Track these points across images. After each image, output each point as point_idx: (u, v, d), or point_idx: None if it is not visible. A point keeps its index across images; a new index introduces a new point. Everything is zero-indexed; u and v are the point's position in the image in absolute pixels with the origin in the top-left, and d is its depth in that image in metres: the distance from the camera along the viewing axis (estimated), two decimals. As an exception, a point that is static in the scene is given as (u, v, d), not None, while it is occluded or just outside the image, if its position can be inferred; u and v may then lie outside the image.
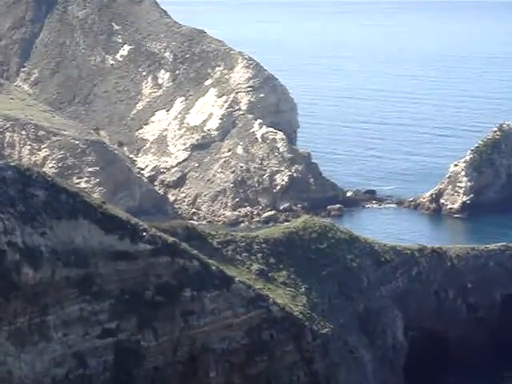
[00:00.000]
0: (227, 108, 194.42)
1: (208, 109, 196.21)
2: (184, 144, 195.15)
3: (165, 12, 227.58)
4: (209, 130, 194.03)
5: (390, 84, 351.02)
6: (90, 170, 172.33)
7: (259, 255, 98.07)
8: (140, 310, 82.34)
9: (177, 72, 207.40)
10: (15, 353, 75.22)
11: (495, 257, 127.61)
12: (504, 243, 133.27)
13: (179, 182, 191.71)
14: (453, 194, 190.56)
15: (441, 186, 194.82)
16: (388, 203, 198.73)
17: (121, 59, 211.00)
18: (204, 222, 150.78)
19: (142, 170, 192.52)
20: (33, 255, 76.33)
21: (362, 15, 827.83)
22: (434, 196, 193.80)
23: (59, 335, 77.81)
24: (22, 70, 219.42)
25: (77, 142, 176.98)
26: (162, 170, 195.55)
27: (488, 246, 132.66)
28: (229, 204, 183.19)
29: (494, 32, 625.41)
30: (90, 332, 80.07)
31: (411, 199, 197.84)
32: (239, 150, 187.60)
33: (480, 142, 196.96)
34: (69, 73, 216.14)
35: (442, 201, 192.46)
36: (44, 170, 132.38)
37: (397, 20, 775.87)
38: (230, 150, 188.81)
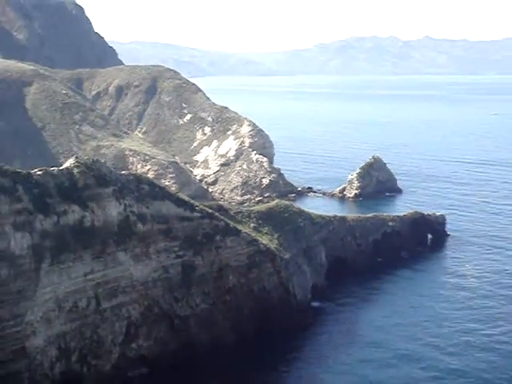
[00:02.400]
0: (238, 145, 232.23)
1: (229, 146, 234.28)
2: (216, 163, 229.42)
3: (207, 98, 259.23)
4: (229, 156, 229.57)
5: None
6: (170, 175, 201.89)
7: (254, 219, 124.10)
8: (194, 245, 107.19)
9: (214, 127, 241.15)
10: (133, 265, 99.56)
11: (370, 220, 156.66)
12: (374, 214, 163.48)
13: (214, 182, 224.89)
14: (350, 189, 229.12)
15: (344, 185, 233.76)
16: (318, 194, 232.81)
17: (186, 121, 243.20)
18: (226, 203, 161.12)
19: (196, 176, 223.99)
20: (143, 217, 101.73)
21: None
22: (341, 190, 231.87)
23: (155, 257, 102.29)
24: (138, 126, 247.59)
25: (164, 161, 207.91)
26: (205, 176, 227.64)
27: (366, 215, 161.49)
28: (238, 193, 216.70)
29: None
30: (170, 256, 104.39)
31: (330, 192, 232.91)
32: (244, 166, 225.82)
33: (363, 164, 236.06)
34: (160, 128, 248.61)
35: (345, 192, 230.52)
36: (148, 175, 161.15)
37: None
38: (239, 166, 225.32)
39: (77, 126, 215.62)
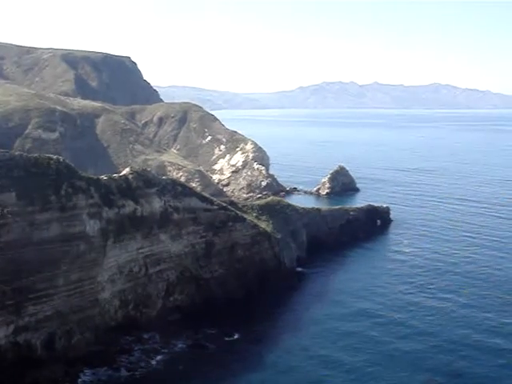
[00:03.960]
0: (244, 158, 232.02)
1: (237, 158, 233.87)
2: (229, 171, 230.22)
3: (222, 124, 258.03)
4: (237, 166, 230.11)
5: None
6: (196, 179, 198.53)
7: (255, 210, 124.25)
8: (212, 229, 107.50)
9: (227, 145, 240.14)
10: (170, 243, 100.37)
11: (337, 210, 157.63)
12: (340, 206, 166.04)
13: (227, 184, 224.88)
14: (323, 189, 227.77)
15: (319, 186, 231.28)
16: (301, 192, 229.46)
17: (207, 141, 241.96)
18: (235, 199, 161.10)
19: (214, 180, 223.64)
20: (177, 209, 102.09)
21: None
22: (317, 189, 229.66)
23: (185, 237, 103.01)
24: (174, 145, 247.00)
25: (192, 170, 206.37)
26: (221, 180, 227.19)
27: (335, 207, 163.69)
28: (244, 192, 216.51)
29: None
30: (196, 236, 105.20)
31: (309, 190, 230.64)
32: (249, 173, 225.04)
33: (332, 171, 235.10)
34: (189, 146, 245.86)
35: (319, 191, 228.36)
36: (181, 179, 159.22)
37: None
38: (245, 173, 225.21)
39: (131, 145, 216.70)
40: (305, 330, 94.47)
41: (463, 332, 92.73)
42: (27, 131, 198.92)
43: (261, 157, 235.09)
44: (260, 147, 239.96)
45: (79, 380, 74.86)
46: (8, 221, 76.86)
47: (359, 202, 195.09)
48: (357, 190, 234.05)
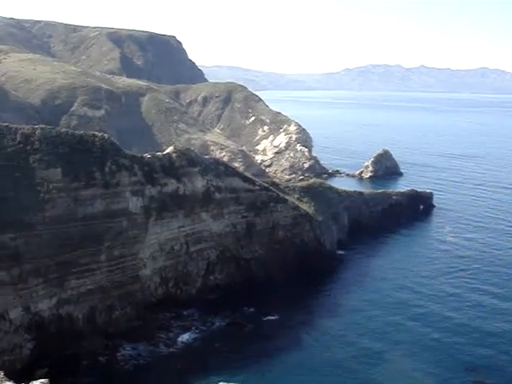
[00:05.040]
0: (287, 139, 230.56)
1: (280, 139, 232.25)
2: (272, 152, 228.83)
3: (266, 105, 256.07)
4: (280, 147, 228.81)
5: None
6: (239, 160, 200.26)
7: (297, 192, 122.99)
8: (255, 209, 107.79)
9: (270, 126, 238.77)
10: (212, 222, 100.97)
11: (380, 194, 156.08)
12: (383, 190, 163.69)
13: (270, 165, 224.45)
14: (366, 172, 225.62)
15: (362, 169, 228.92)
16: (343, 175, 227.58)
17: (251, 122, 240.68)
18: (277, 180, 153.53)
19: (257, 160, 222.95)
20: (219, 188, 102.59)
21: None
22: (359, 173, 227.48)
23: (227, 216, 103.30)
24: (217, 125, 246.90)
25: (235, 150, 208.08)
26: (263, 161, 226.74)
27: (377, 190, 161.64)
28: (287, 173, 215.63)
29: None
30: (238, 216, 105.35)
31: (351, 173, 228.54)
32: (291, 154, 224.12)
33: (376, 154, 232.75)
34: (233, 126, 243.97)
35: (362, 174, 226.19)
36: (224, 159, 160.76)
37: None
38: (288, 154, 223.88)
39: (175, 124, 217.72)
40: (342, 315, 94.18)
41: (505, 326, 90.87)
42: (73, 109, 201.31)
43: (304, 138, 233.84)
44: (303, 129, 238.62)
45: (118, 354, 76.21)
46: (53, 196, 78.29)
47: (402, 186, 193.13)
48: (400, 174, 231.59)
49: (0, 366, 49.21)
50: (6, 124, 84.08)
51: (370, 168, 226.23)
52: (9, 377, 30.55)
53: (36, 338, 73.14)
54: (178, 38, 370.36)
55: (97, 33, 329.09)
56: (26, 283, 72.87)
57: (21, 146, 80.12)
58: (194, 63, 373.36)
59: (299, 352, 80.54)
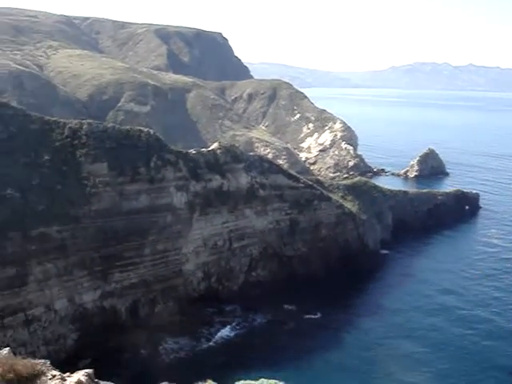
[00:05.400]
0: (332, 137, 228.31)
1: (325, 137, 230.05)
2: (316, 149, 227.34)
3: (312, 103, 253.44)
4: (325, 144, 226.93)
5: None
6: (283, 157, 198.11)
7: (341, 190, 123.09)
8: (299, 206, 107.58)
9: (315, 124, 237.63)
10: (255, 219, 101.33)
11: (425, 194, 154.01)
12: (428, 190, 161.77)
13: (314, 163, 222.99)
14: (411, 171, 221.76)
15: (407, 168, 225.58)
16: (388, 174, 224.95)
17: (296, 119, 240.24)
18: (322, 178, 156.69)
19: (301, 158, 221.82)
20: (263, 185, 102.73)
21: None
22: (405, 172, 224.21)
23: (271, 213, 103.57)
24: (262, 122, 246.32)
25: (279, 147, 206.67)
26: (308, 158, 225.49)
27: (423, 190, 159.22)
28: (331, 171, 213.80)
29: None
30: (281, 213, 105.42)
31: (397, 172, 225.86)
32: (336, 152, 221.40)
33: (421, 154, 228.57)
34: (278, 123, 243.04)
35: (407, 174, 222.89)
36: (268, 156, 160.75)
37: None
38: (332, 152, 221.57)
39: (220, 121, 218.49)
40: (384, 315, 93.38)
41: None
42: (120, 104, 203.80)
43: (349, 136, 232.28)
44: (349, 127, 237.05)
45: (160, 348, 77.03)
46: (99, 190, 79.58)
47: (448, 186, 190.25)
48: (446, 174, 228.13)
49: (45, 356, 50.32)
50: (54, 118, 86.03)
51: (416, 167, 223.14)
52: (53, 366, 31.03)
53: (80, 329, 74.51)
54: (225, 35, 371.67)
55: (144, 29, 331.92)
56: (71, 275, 74.36)
57: (68, 140, 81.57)
58: (239, 60, 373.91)
59: (339, 351, 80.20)
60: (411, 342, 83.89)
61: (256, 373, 67.54)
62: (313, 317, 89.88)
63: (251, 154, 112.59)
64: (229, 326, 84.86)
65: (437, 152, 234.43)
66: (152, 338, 78.12)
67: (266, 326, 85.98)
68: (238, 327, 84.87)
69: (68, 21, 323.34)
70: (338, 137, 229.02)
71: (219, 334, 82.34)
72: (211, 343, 79.72)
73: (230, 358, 75.48)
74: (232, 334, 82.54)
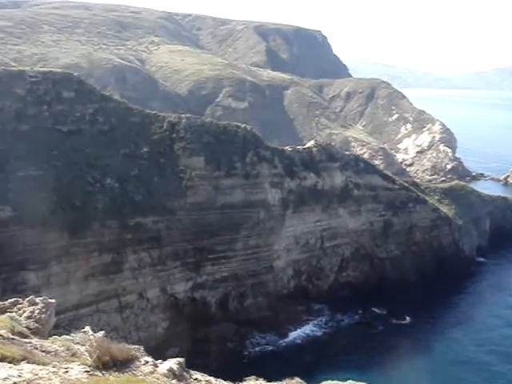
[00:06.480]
0: (431, 139, 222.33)
1: (423, 139, 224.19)
2: (414, 151, 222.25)
3: (410, 103, 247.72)
4: (423, 146, 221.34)
5: None
6: (379, 157, 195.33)
7: (438, 193, 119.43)
8: (393, 208, 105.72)
9: (413, 125, 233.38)
10: (348, 219, 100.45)
11: None
12: None
13: (411, 164, 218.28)
14: None
15: (508, 174, 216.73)
16: (487, 179, 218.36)
17: (393, 119, 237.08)
18: (418, 180, 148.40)
19: (398, 159, 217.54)
20: (358, 185, 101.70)
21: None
22: (505, 177, 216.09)
23: (364, 214, 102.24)
24: (359, 121, 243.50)
25: (376, 147, 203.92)
26: (405, 160, 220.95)
27: None
28: (428, 174, 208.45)
29: None
30: (375, 214, 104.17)
31: (496, 177, 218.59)
32: (434, 154, 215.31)
33: None
34: (375, 123, 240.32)
35: (508, 179, 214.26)
36: (364, 156, 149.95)
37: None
38: (430, 154, 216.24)
39: (317, 119, 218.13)
40: (476, 329, 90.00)
41: None
42: (218, 99, 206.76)
43: (448, 139, 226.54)
44: (448, 129, 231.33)
45: (247, 342, 78.14)
46: (195, 183, 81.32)
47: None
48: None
49: (136, 341, 51.70)
50: (154, 112, 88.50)
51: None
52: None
53: (170, 318, 76.34)
54: (324, 33, 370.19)
55: (244, 26, 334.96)
56: (164, 265, 76.43)
57: (167, 133, 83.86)
58: (338, 58, 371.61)
59: (427, 360, 78.48)
60: (505, 361, 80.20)
61: (342, 373, 67.29)
62: (401, 322, 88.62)
63: (347, 153, 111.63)
64: (316, 325, 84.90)
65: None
66: (240, 332, 79.22)
67: (353, 328, 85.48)
68: (325, 326, 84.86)
69: (170, 17, 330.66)
70: (437, 139, 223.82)
71: (306, 332, 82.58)
72: (298, 340, 79.95)
73: (316, 357, 75.39)
74: (319, 333, 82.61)
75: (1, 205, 66.01)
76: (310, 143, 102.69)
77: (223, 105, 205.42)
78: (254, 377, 13.29)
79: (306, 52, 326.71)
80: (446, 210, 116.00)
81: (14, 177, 68.15)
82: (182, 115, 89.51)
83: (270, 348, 77.50)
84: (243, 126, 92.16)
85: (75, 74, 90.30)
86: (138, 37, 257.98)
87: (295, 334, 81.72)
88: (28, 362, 10.28)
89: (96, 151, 76.89)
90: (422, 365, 76.52)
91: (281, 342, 79.42)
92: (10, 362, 10.19)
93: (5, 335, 12.12)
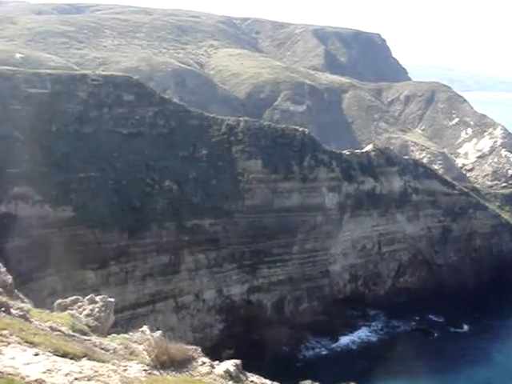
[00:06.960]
0: (492, 144, 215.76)
1: (484, 143, 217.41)
2: (474, 156, 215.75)
3: (471, 107, 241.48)
4: (484, 151, 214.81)
5: None
6: (439, 162, 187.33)
7: (499, 200, 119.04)
8: (452, 214, 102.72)
9: (474, 129, 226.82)
10: (406, 224, 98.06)
11: None
12: None
13: (471, 170, 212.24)
14: None
15: None
16: None
17: (454, 123, 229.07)
18: (478, 186, 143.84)
19: (457, 164, 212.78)
20: (416, 190, 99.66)
21: None
22: None
23: (422, 219, 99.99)
24: (419, 125, 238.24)
25: (435, 151, 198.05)
26: (465, 165, 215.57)
27: None
28: (489, 179, 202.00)
29: None
30: (434, 220, 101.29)
31: None
32: (495, 160, 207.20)
33: None
34: (435, 127, 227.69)
35: None
36: (423, 161, 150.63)
37: None
38: (491, 159, 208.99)
39: (375, 122, 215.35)
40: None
41: None
42: (276, 103, 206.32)
43: (510, 143, 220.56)
44: (510, 133, 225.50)
45: (302, 345, 77.90)
46: (252, 186, 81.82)
47: None
48: None
49: (191, 342, 52.18)
50: (212, 115, 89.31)
51: None
52: (201, 354, 32.01)
53: (226, 320, 77.12)
54: (383, 36, 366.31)
55: (302, 29, 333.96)
56: (221, 267, 77.26)
57: (225, 136, 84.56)
58: (397, 61, 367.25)
59: (486, 370, 76.62)
60: None
61: (396, 380, 66.99)
62: (459, 330, 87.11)
63: (406, 157, 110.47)
64: (371, 331, 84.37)
65: None
66: (295, 335, 79.14)
67: (409, 335, 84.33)
68: (380, 332, 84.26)
69: (229, 21, 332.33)
70: (498, 143, 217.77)
71: (361, 338, 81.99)
72: (353, 346, 79.55)
73: (370, 363, 74.47)
74: (374, 339, 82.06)
75: (63, 205, 67.69)
76: (369, 147, 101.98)
77: (281, 108, 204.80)
78: (309, 381, 13.23)
79: (364, 55, 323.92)
80: (508, 216, 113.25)
81: (76, 178, 69.91)
82: (241, 118, 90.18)
83: (325, 352, 77.26)
84: (301, 129, 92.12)
85: (135, 77, 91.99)
86: (197, 41, 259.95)
87: (350, 339, 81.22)
88: (88, 359, 10.43)
89: (155, 153, 78.05)
90: (481, 376, 74.95)
91: (335, 346, 79.05)
92: (71, 359, 10.36)
93: (66, 332, 12.46)
